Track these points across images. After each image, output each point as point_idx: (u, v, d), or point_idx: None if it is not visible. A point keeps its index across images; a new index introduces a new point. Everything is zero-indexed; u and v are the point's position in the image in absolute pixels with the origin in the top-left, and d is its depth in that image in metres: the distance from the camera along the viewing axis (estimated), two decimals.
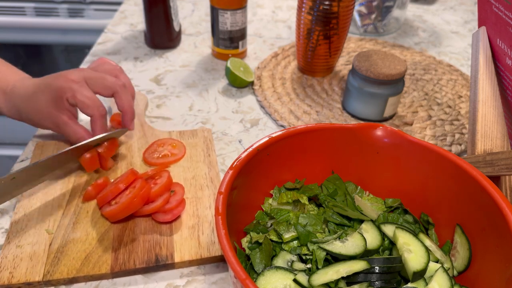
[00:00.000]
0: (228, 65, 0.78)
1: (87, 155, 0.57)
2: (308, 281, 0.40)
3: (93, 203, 0.55)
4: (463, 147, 0.69)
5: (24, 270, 0.46)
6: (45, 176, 0.53)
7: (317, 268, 0.42)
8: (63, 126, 0.58)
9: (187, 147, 0.65)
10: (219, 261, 0.50)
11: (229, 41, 0.85)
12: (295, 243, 0.45)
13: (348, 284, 0.41)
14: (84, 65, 0.85)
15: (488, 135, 0.53)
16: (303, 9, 0.77)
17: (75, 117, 0.60)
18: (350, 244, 0.44)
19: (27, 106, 0.58)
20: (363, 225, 0.47)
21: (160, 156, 0.62)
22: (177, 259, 0.49)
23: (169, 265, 0.49)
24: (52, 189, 0.56)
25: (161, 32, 0.88)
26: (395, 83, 0.69)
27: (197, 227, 0.53)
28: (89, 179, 0.58)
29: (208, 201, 0.56)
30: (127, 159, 0.62)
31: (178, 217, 0.53)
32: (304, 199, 0.49)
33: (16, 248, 0.49)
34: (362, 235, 0.45)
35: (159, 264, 0.48)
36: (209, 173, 0.60)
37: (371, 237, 0.45)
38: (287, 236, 0.45)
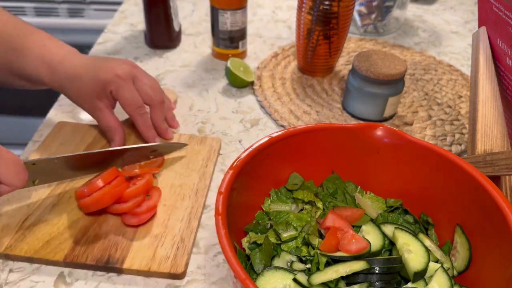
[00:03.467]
0: (228, 65, 0.78)
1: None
2: (308, 280, 0.40)
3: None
4: (463, 147, 0.69)
5: None
6: (69, 172, 0.54)
7: (317, 269, 0.42)
8: (98, 112, 0.60)
9: (190, 153, 0.63)
10: (167, 278, 0.48)
11: (229, 41, 0.85)
12: (293, 243, 0.45)
13: (348, 284, 0.41)
14: None
15: (488, 135, 0.53)
16: (303, 9, 0.77)
17: (113, 107, 0.62)
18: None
19: (70, 85, 0.60)
20: (364, 227, 0.46)
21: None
22: (126, 265, 0.47)
23: (117, 269, 0.48)
24: None
25: (161, 32, 0.88)
26: (395, 83, 0.69)
27: (160, 238, 0.51)
28: None
29: (183, 213, 0.54)
30: None
31: (146, 222, 0.52)
32: (319, 204, 0.49)
33: None
34: (365, 238, 0.45)
35: (107, 266, 0.47)
36: (198, 183, 0.58)
37: (373, 239, 0.45)
38: (285, 235, 0.45)
